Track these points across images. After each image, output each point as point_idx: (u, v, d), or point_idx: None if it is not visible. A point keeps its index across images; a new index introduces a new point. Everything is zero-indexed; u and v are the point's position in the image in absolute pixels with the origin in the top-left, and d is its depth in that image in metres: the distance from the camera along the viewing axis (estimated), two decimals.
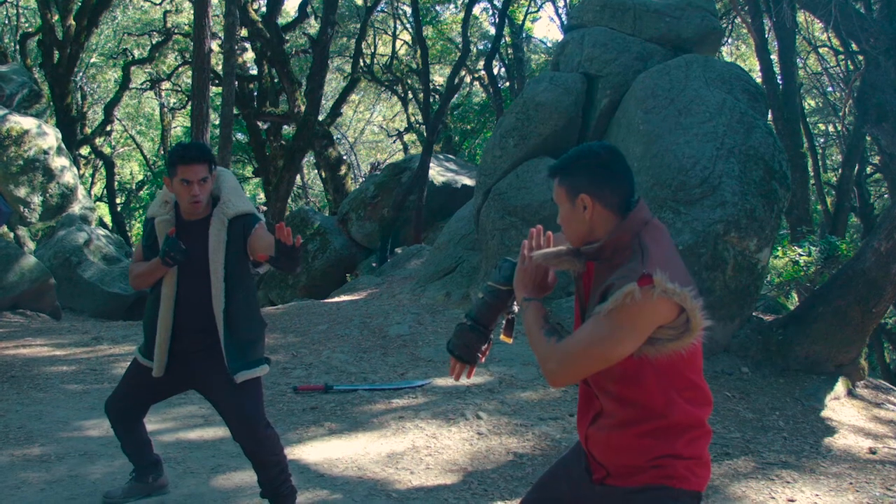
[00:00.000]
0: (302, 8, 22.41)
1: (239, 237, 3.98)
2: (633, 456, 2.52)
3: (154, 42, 26.87)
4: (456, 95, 24.71)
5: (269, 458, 4.08)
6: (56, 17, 22.16)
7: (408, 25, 26.79)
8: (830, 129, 24.64)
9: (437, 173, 17.56)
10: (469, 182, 17.62)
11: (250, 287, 4.15)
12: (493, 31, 26.07)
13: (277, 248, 3.64)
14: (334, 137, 24.03)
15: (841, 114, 20.15)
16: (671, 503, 2.49)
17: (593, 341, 2.38)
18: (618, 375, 2.49)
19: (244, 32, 19.34)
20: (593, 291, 2.50)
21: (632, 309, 2.29)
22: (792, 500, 5.23)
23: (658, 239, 2.50)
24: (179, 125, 32.24)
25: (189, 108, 23.51)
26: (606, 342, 2.36)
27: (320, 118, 20.44)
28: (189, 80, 25.47)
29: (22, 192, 15.75)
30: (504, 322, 2.83)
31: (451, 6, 27.67)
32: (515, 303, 2.76)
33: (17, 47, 24.88)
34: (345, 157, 24.74)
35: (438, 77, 28.88)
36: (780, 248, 11.38)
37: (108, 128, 27.94)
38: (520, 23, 25.33)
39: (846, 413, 7.75)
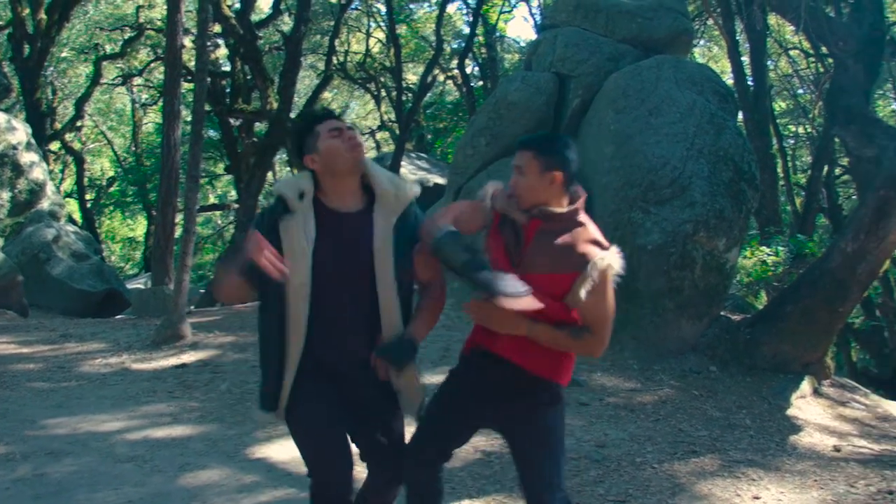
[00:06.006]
0: (275, 5, 22.30)
1: (407, 237, 3.14)
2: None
3: (126, 37, 26.60)
4: (429, 94, 24.72)
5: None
6: (27, 11, 21.97)
7: (381, 23, 26.72)
8: (800, 130, 24.88)
9: (409, 171, 17.58)
10: (441, 181, 17.62)
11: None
12: (466, 29, 26.13)
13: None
14: None
15: (811, 115, 20.38)
16: None
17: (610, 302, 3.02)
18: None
19: (217, 28, 19.22)
20: (537, 241, 3.02)
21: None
22: (757, 498, 5.28)
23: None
24: (151, 121, 31.97)
25: (161, 104, 23.39)
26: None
27: (293, 115, 20.37)
28: (161, 76, 25.27)
29: None
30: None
31: (425, 4, 27.68)
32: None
33: None
34: None
35: (411, 75, 28.88)
36: (748, 248, 11.50)
37: (79, 123, 27.70)
38: (493, 22, 25.36)
39: (812, 411, 7.83)
